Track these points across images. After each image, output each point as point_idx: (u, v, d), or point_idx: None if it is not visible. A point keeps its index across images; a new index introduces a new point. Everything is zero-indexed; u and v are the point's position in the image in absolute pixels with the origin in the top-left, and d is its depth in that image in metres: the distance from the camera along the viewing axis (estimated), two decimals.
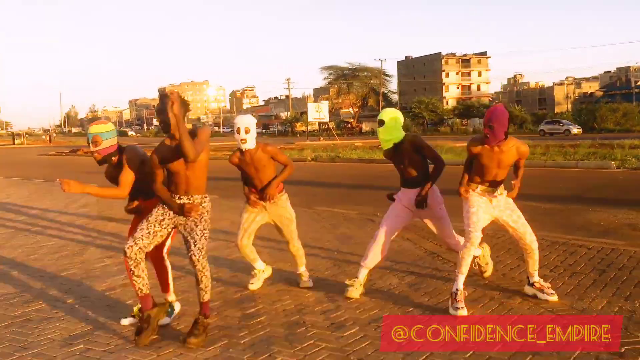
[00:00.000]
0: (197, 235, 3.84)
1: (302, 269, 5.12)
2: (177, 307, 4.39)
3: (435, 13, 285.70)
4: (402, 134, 4.67)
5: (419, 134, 55.24)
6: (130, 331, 4.02)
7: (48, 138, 75.76)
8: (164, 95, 3.73)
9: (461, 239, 4.66)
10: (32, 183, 16.44)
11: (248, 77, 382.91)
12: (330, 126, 57.78)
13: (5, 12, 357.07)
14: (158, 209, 3.94)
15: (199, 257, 3.79)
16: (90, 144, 4.02)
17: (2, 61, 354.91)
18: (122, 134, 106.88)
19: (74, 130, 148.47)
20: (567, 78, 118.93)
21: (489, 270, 5.06)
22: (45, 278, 5.60)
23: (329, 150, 27.74)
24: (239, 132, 4.64)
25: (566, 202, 10.00)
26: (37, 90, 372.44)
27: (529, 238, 4.44)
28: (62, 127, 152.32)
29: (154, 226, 3.87)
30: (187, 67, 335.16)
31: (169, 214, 3.91)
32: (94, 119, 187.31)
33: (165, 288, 4.37)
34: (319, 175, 16.85)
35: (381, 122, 4.64)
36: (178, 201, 3.88)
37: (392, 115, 4.64)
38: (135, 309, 4.26)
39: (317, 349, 3.63)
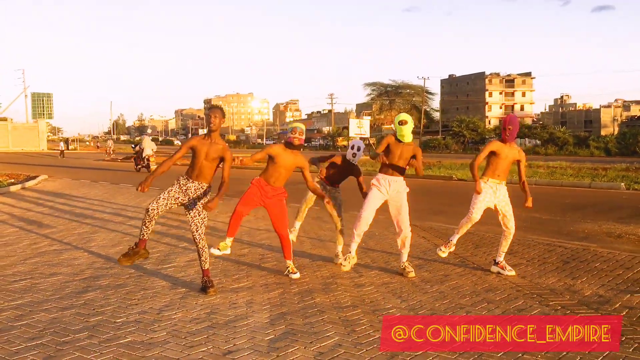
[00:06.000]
0: (199, 222, 5.34)
1: (339, 249, 6.82)
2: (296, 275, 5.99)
3: (480, 32, 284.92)
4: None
5: (459, 151, 55.12)
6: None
7: (96, 145, 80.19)
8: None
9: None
10: (100, 185, 18.42)
11: (292, 90, 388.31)
12: (372, 142, 59.34)
13: (59, 22, 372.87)
14: (175, 187, 5.33)
15: (200, 239, 5.37)
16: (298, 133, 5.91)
17: (55, 68, 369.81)
18: (168, 142, 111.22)
19: (122, 137, 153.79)
20: (616, 100, 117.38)
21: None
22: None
23: (368, 165, 29.18)
24: (352, 148, 6.78)
25: (565, 214, 11.41)
26: (87, 98, 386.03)
27: (511, 225, 6.10)
28: (111, 134, 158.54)
29: (171, 200, 5.29)
30: (232, 79, 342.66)
31: (184, 195, 5.31)
32: (141, 127, 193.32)
33: (287, 255, 6.03)
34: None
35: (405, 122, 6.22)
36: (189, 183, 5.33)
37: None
38: (222, 244, 5.99)
39: (343, 296, 5.32)
